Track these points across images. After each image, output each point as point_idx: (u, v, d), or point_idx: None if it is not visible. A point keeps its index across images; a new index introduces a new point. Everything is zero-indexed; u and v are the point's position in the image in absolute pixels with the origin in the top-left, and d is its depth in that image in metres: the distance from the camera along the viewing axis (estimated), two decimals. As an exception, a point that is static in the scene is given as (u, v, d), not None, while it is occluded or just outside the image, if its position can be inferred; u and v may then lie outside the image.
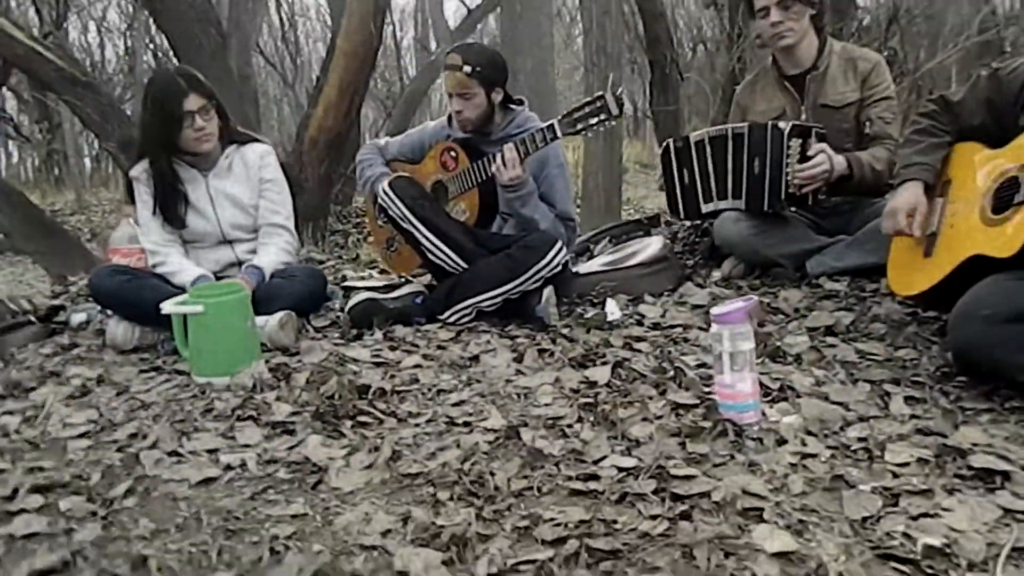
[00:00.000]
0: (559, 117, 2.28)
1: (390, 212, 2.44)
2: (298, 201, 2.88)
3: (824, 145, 2.39)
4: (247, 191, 2.61)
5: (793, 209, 2.46)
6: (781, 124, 2.39)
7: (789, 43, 2.54)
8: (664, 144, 2.74)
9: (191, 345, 2.06)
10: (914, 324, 2.01)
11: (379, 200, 2.47)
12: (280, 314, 2.27)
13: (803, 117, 2.55)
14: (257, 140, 2.70)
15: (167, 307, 2.08)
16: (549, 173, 2.50)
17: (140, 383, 2.06)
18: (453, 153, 2.60)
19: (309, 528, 1.29)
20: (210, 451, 1.61)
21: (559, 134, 2.27)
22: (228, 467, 1.53)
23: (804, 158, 2.38)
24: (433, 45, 14.27)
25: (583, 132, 2.24)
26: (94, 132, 5.35)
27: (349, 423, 1.70)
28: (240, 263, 2.60)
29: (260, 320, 2.24)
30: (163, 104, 2.40)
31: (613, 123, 2.21)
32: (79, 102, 4.90)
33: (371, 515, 1.30)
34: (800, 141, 2.37)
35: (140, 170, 2.56)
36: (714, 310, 1.55)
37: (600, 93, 2.20)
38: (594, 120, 2.21)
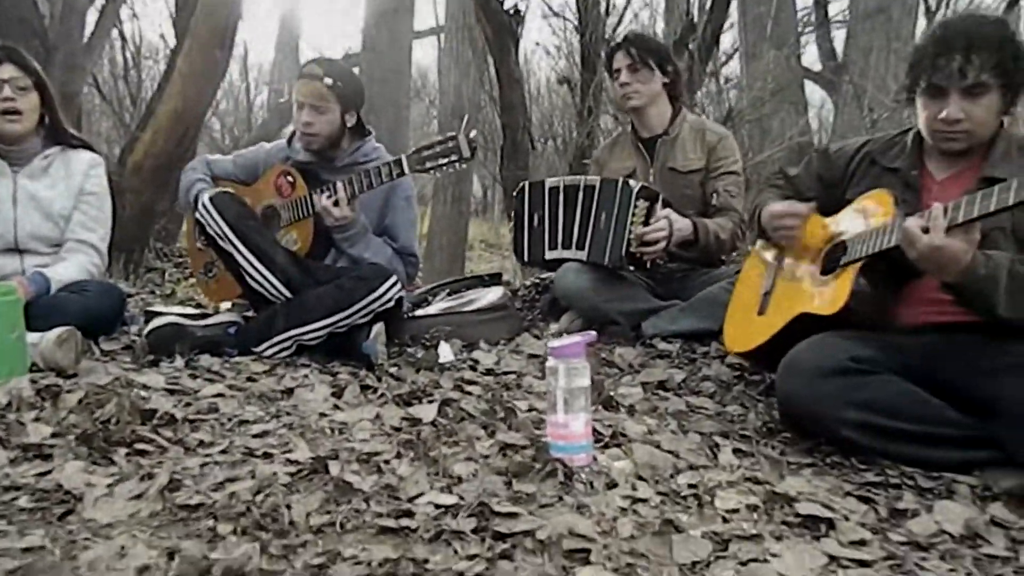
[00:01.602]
0: (408, 153, 2.18)
1: (208, 229, 2.20)
2: (114, 231, 2.58)
3: (668, 211, 2.44)
4: (60, 199, 2.30)
5: (632, 269, 2.47)
6: (632, 182, 2.42)
7: (635, 104, 2.64)
8: (520, 185, 2.71)
9: (-64, 354, 1.71)
10: (742, 384, 2.03)
11: (197, 214, 2.23)
12: (60, 329, 1.94)
13: (651, 179, 2.61)
14: (88, 147, 2.40)
15: (-91, 305, 1.72)
16: (395, 204, 2.37)
17: None
18: (290, 178, 2.42)
19: (42, 564, 1.03)
20: (-71, 474, 1.29)
21: (406, 170, 2.17)
22: (-50, 492, 1.23)
23: (647, 222, 2.41)
24: (287, 93, 13.99)
25: (432, 171, 2.15)
26: None
27: (124, 451, 1.44)
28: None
29: (34, 336, 1.91)
30: None
31: (464, 165, 2.13)
32: None
33: (128, 549, 1.06)
34: (647, 204, 2.41)
35: None
36: (551, 343, 1.46)
37: (452, 133, 2.13)
38: (444, 160, 2.13)
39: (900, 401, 1.53)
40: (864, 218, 1.75)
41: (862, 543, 1.21)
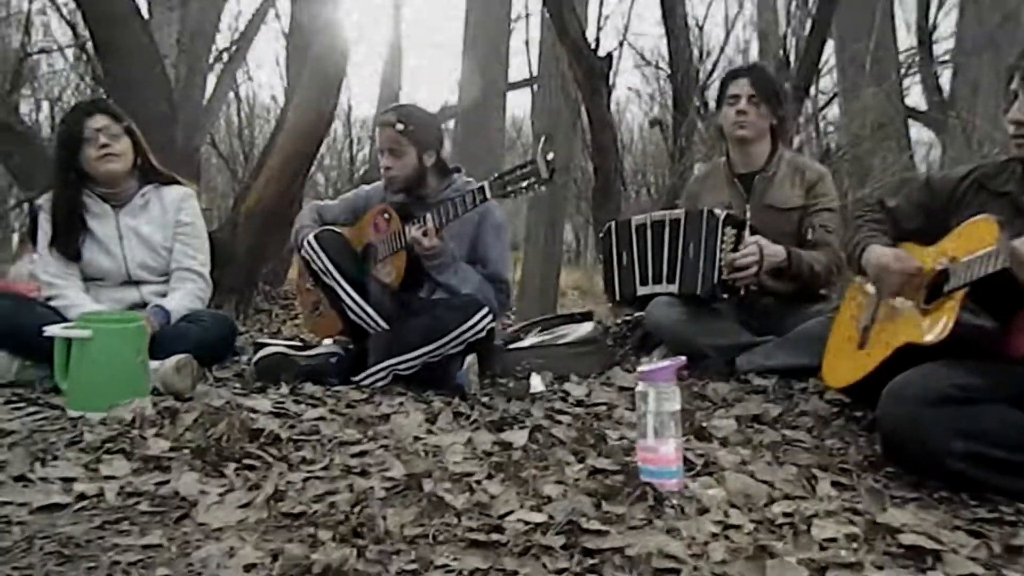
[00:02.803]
0: (489, 179, 2.25)
1: (313, 265, 2.33)
2: (225, 272, 2.75)
3: (758, 237, 2.41)
4: (160, 232, 2.49)
5: (725, 297, 2.44)
6: (717, 211, 2.42)
7: (746, 135, 2.61)
8: (606, 225, 2.74)
9: (71, 375, 1.87)
10: (841, 419, 1.96)
11: (303, 252, 2.36)
12: (178, 357, 2.08)
13: (748, 215, 2.57)
14: (178, 182, 2.60)
15: (51, 330, 1.89)
16: (485, 233, 2.44)
17: (3, 412, 1.84)
18: (387, 215, 2.53)
19: (160, 558, 1.10)
20: (65, 479, 1.41)
21: (488, 196, 2.24)
22: (82, 496, 1.34)
23: (736, 250, 2.39)
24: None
25: (513, 195, 2.21)
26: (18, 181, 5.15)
27: (234, 465, 1.52)
28: (146, 304, 2.42)
29: (155, 364, 2.05)
30: (66, 122, 2.35)
31: (543, 187, 2.19)
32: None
33: (236, 550, 1.13)
34: (735, 232, 2.40)
35: (44, 199, 2.43)
36: (641, 368, 1.47)
37: (531, 157, 2.19)
38: (524, 183, 2.19)
39: (1012, 432, 1.45)
40: (967, 244, 1.69)
41: (972, 577, 1.15)
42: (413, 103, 2.49)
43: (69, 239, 2.38)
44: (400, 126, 2.40)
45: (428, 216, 2.32)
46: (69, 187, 2.37)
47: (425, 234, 2.29)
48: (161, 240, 2.48)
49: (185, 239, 2.51)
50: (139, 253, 2.45)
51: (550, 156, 2.21)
